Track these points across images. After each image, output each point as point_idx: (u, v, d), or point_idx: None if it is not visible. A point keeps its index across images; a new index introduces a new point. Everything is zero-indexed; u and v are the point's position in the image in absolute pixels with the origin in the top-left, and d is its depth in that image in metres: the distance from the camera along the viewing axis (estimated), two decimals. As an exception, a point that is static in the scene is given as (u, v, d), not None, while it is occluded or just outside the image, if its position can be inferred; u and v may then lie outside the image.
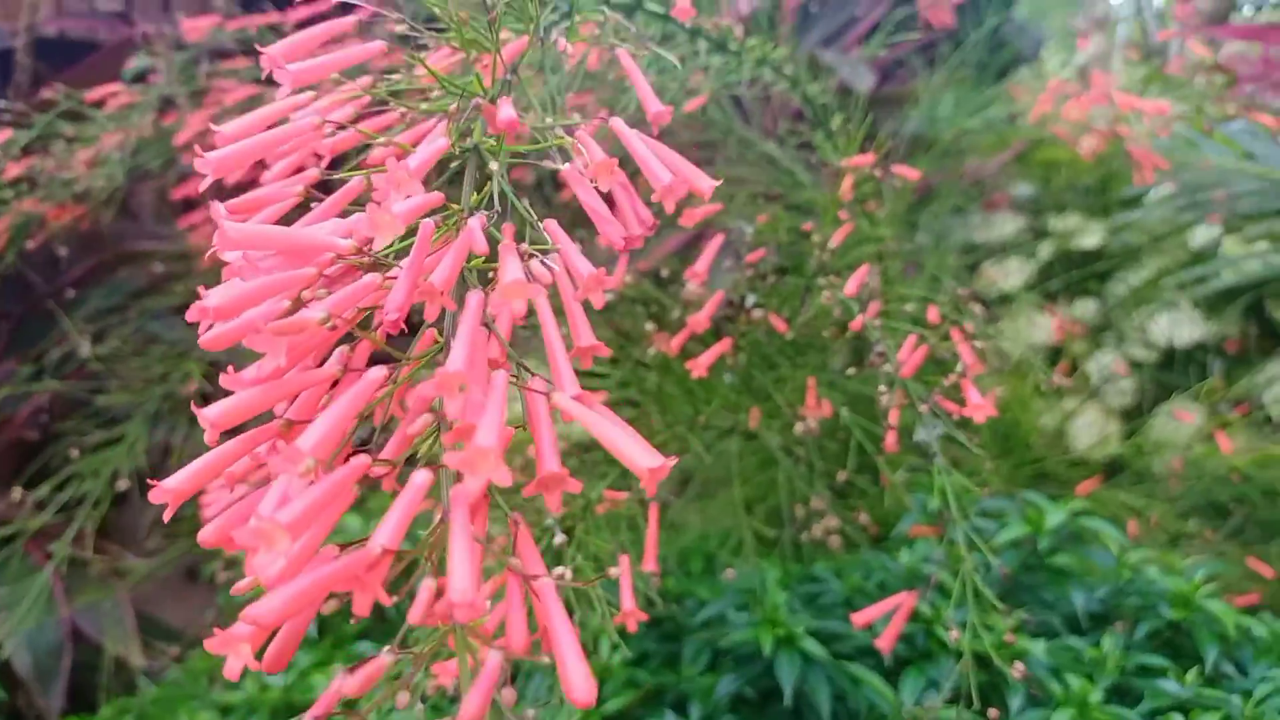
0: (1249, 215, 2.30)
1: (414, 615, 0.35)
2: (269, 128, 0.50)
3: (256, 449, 0.41)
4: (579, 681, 0.35)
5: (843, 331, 0.79)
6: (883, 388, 0.74)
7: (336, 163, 0.52)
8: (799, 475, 1.04)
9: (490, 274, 0.43)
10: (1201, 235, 2.39)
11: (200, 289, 0.42)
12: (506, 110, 0.43)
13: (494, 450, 0.34)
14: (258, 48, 0.52)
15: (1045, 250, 2.34)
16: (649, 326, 0.92)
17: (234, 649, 0.38)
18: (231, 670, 0.38)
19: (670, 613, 1.11)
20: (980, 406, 0.74)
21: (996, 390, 1.20)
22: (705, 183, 0.46)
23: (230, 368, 0.41)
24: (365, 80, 0.55)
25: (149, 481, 0.43)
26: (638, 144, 0.47)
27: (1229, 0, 3.62)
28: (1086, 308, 2.37)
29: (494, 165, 0.43)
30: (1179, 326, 2.26)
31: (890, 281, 0.94)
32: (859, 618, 0.80)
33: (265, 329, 0.38)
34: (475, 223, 0.41)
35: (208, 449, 1.24)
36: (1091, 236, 2.32)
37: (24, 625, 1.22)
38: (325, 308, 0.39)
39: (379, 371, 0.40)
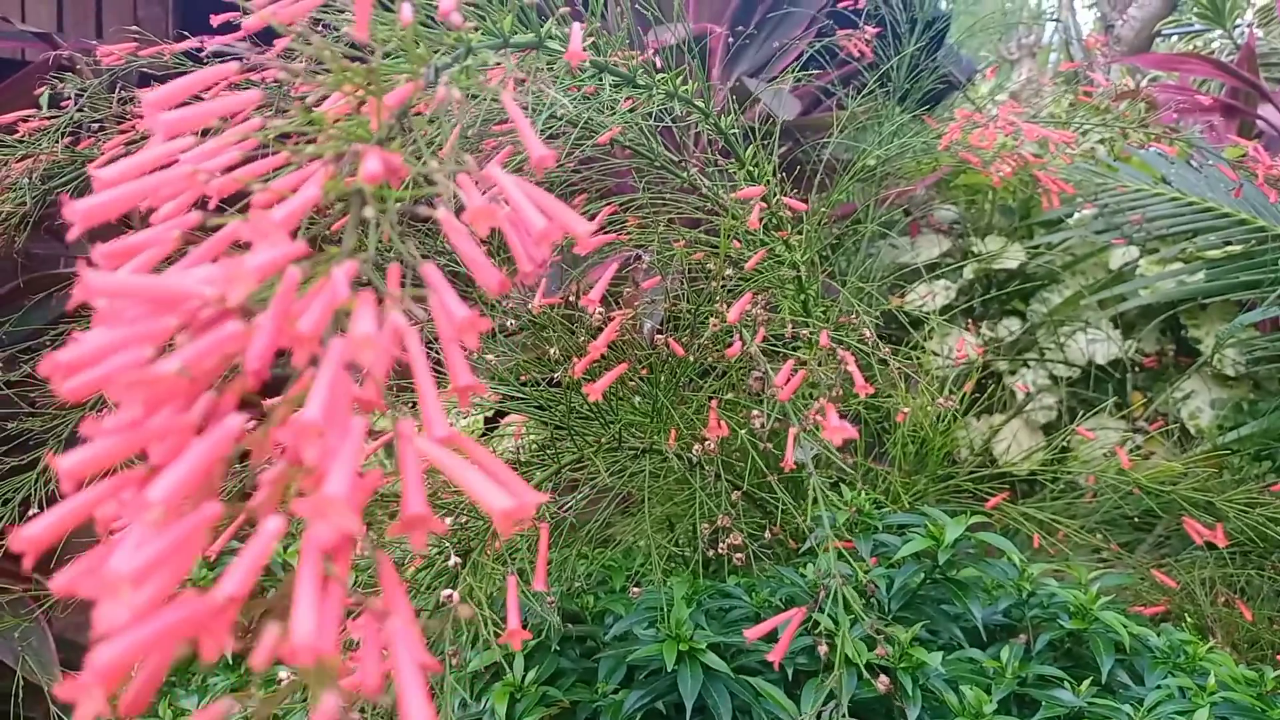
0: (1164, 237, 2.39)
1: (256, 661, 0.36)
2: (150, 171, 0.51)
3: (121, 495, 0.42)
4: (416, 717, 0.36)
5: (723, 356, 0.82)
6: (756, 412, 0.76)
7: (229, 202, 0.53)
8: (710, 494, 1.06)
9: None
10: (1120, 256, 2.47)
11: (72, 333, 0.42)
12: (373, 162, 0.45)
13: (343, 498, 0.35)
14: (144, 93, 0.53)
15: (969, 272, 2.41)
16: (552, 352, 0.94)
17: (85, 696, 0.38)
18: (83, 717, 0.39)
19: (588, 630, 1.13)
20: (838, 429, 0.77)
21: (907, 409, 1.24)
22: (583, 227, 0.48)
23: (89, 417, 0.42)
24: (253, 124, 0.57)
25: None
26: (513, 190, 0.49)
27: (1150, 29, 3.75)
28: (1010, 327, 2.44)
29: (367, 213, 0.45)
30: (1098, 344, 2.34)
31: (808, 305, 0.97)
32: (751, 633, 0.83)
33: (122, 381, 0.39)
34: (340, 273, 0.42)
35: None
36: (1012, 258, 2.39)
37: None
38: (180, 359, 0.40)
39: (237, 420, 0.40)
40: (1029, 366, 2.34)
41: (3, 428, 1.27)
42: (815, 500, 1.00)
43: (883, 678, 0.74)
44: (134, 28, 1.37)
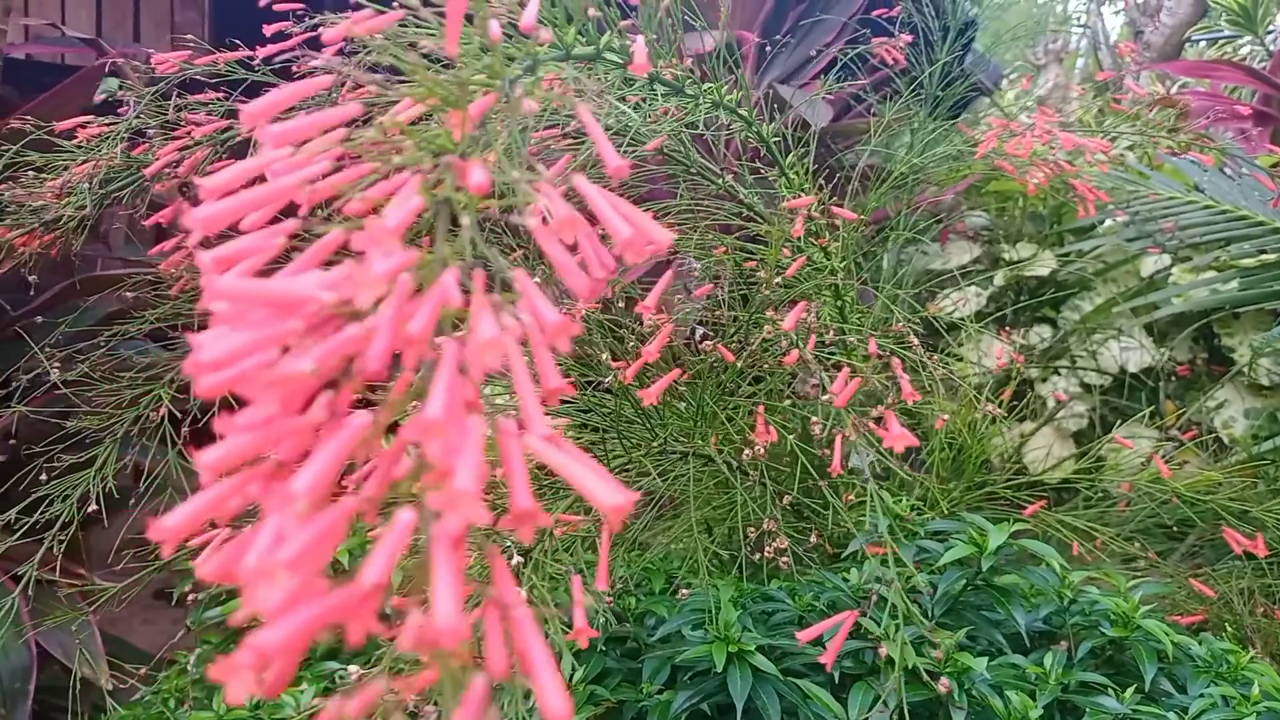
0: (1197, 245, 2.38)
1: (403, 644, 0.38)
2: (250, 180, 0.53)
3: (248, 489, 0.44)
4: (555, 703, 0.38)
5: (779, 365, 0.83)
6: (815, 419, 0.77)
7: (313, 211, 0.55)
8: (753, 498, 1.08)
9: (463, 322, 0.46)
10: (1151, 264, 2.47)
11: (187, 333, 0.44)
12: (479, 174, 0.47)
13: (473, 491, 0.37)
14: (237, 105, 0.55)
15: (999, 278, 2.41)
16: (604, 356, 0.96)
17: (236, 675, 0.41)
18: (234, 696, 0.41)
19: (632, 631, 1.14)
20: (899, 437, 0.78)
21: (946, 416, 1.25)
22: (663, 236, 0.49)
23: (225, 412, 0.44)
24: (339, 134, 0.58)
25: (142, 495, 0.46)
26: (599, 200, 0.50)
27: (1180, 35, 3.73)
28: (1041, 334, 2.44)
29: (464, 220, 0.47)
30: (1130, 352, 2.33)
31: (845, 312, 0.98)
32: (804, 635, 0.84)
33: (258, 380, 0.41)
34: (449, 278, 0.44)
35: (176, 472, 1.26)
36: (1043, 265, 2.39)
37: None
38: (312, 359, 0.42)
39: (363, 417, 0.43)
40: (1059, 374, 2.34)
41: (61, 425, 1.30)
42: (863, 504, 1.02)
43: (943, 680, 0.75)
44: (172, 33, 1.39)
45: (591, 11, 0.73)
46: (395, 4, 0.64)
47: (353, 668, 0.50)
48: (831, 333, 1.01)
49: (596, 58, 0.78)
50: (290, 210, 0.56)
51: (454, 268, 0.45)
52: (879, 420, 0.79)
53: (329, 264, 0.53)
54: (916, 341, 0.87)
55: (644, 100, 1.01)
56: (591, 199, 0.50)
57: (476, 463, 0.39)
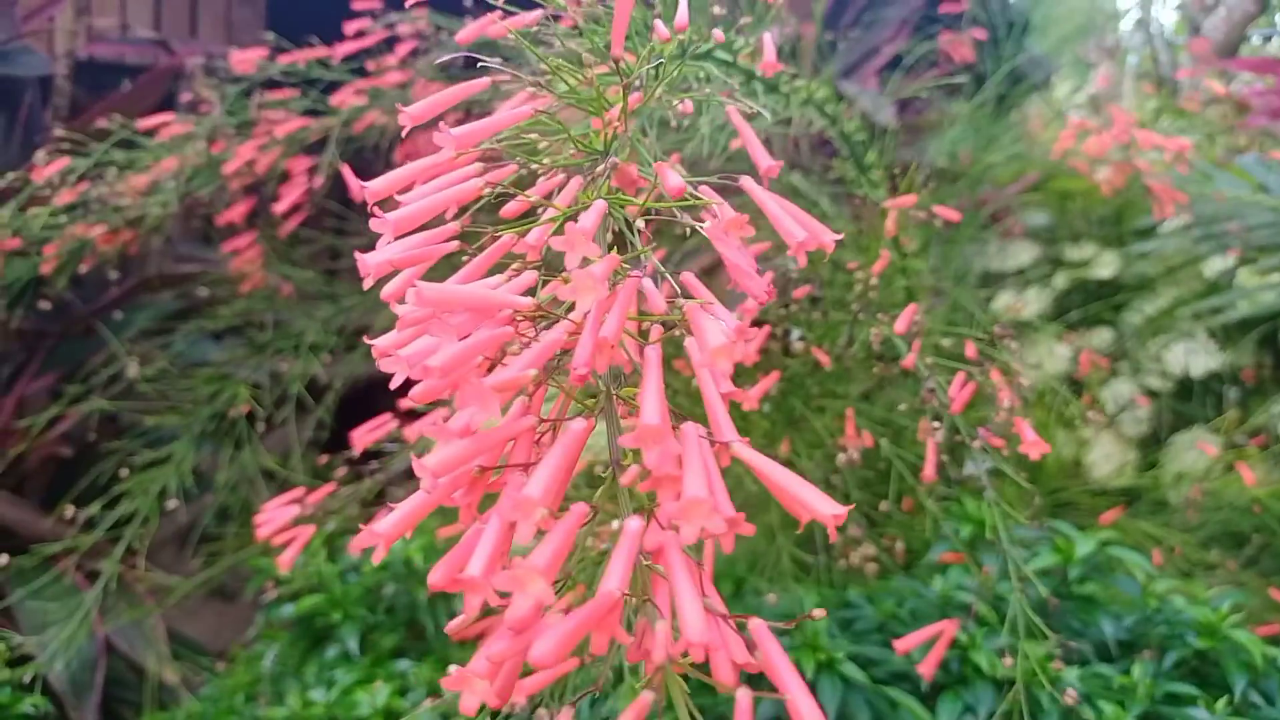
0: (1264, 247, 2.33)
1: (657, 656, 0.37)
2: (410, 185, 0.53)
3: (454, 493, 0.44)
4: (810, 715, 0.38)
5: (888, 368, 0.82)
6: (935, 423, 0.76)
7: (461, 212, 0.54)
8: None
9: (634, 326, 0.46)
10: (1216, 266, 2.42)
11: (382, 348, 0.44)
12: (674, 179, 0.46)
13: (706, 500, 0.37)
14: (398, 106, 0.54)
15: (1061, 280, 2.37)
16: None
17: (471, 686, 0.41)
18: (468, 706, 0.41)
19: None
20: (1035, 444, 0.77)
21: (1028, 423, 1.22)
22: (829, 237, 0.49)
23: (439, 418, 0.44)
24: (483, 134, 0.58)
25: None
26: (770, 203, 0.50)
27: (1240, 31, 3.66)
28: (1102, 337, 2.39)
29: (640, 224, 0.46)
30: (1194, 356, 2.29)
31: (928, 316, 0.97)
32: (901, 644, 0.83)
33: (480, 384, 0.41)
34: (645, 281, 0.43)
35: (254, 470, 1.26)
36: (1106, 266, 2.35)
37: (71, 644, 1.25)
38: (530, 365, 0.42)
39: (580, 424, 0.42)
40: (1122, 378, 2.30)
41: (140, 423, 1.31)
42: (946, 511, 1.00)
43: (1070, 691, 0.73)
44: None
45: (717, 10, 0.72)
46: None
47: (453, 666, 0.49)
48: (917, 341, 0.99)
49: (707, 57, 0.77)
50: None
51: (639, 271, 0.45)
52: (997, 428, 0.77)
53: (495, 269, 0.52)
54: (1015, 345, 0.85)
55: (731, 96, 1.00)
56: (764, 203, 0.49)
57: (702, 469, 0.38)
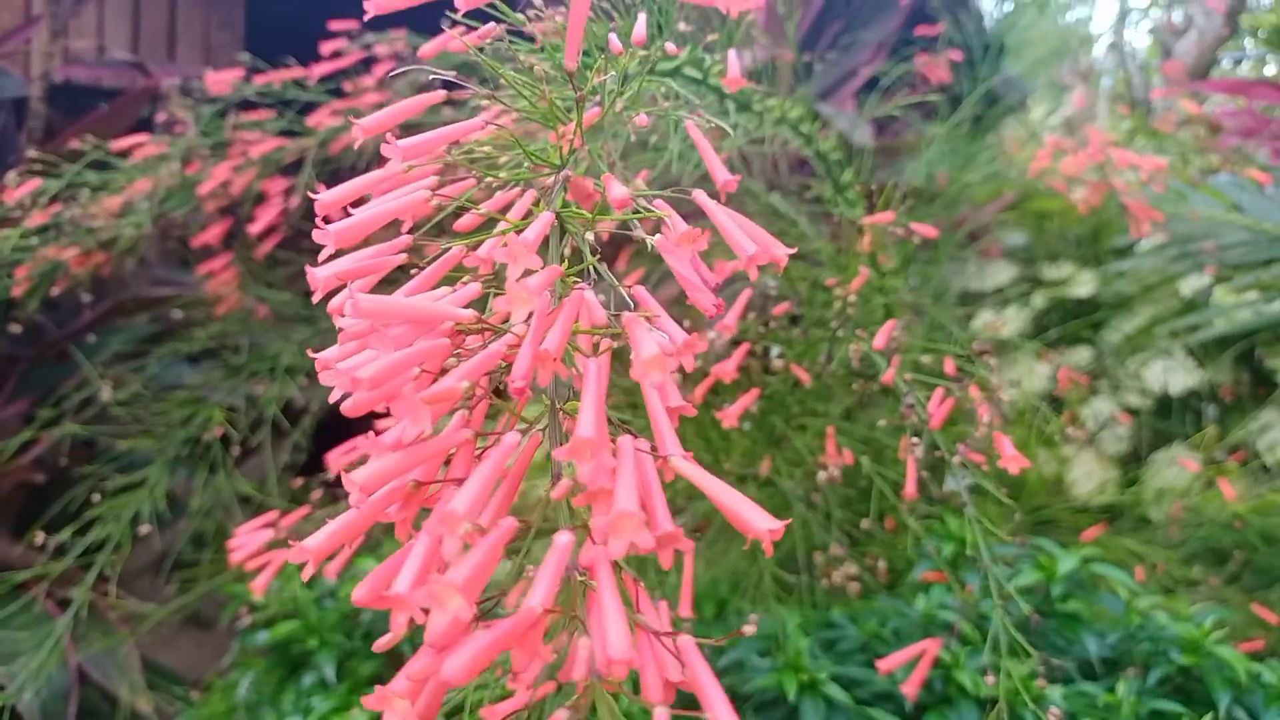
0: (1239, 265, 2.35)
1: (578, 673, 0.36)
2: (362, 199, 0.52)
3: (388, 509, 0.43)
4: None
5: (867, 384, 0.82)
6: (914, 439, 0.76)
7: (414, 229, 0.54)
8: (816, 522, 1.06)
9: (582, 340, 0.45)
10: (1193, 284, 2.44)
11: (313, 353, 0.43)
12: (619, 189, 0.46)
13: (636, 514, 0.36)
14: (350, 120, 0.54)
15: (1039, 299, 2.38)
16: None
17: (391, 706, 0.40)
18: None
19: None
20: (1015, 458, 0.77)
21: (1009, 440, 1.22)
22: (781, 251, 0.48)
23: (371, 432, 0.43)
24: (438, 150, 0.58)
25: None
26: (722, 216, 0.49)
27: (1211, 54, 3.71)
28: (1081, 355, 2.40)
29: (590, 236, 0.46)
30: (1173, 374, 2.30)
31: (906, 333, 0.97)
32: (884, 664, 0.82)
33: (413, 397, 0.40)
34: (589, 293, 0.43)
35: (229, 495, 1.24)
36: (1084, 285, 2.36)
37: (41, 673, 1.22)
38: (464, 377, 0.41)
39: (514, 438, 0.42)
40: (1101, 396, 2.31)
41: (113, 447, 1.29)
42: (928, 530, 0.99)
43: (1054, 710, 0.72)
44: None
45: (683, 26, 0.72)
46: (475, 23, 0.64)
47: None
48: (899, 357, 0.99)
49: (675, 74, 0.77)
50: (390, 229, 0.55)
51: (585, 284, 0.44)
52: (977, 444, 0.77)
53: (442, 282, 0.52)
54: (995, 362, 0.85)
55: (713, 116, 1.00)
56: (715, 215, 0.49)
57: (634, 484, 0.38)
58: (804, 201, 1.52)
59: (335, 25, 1.24)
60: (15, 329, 1.40)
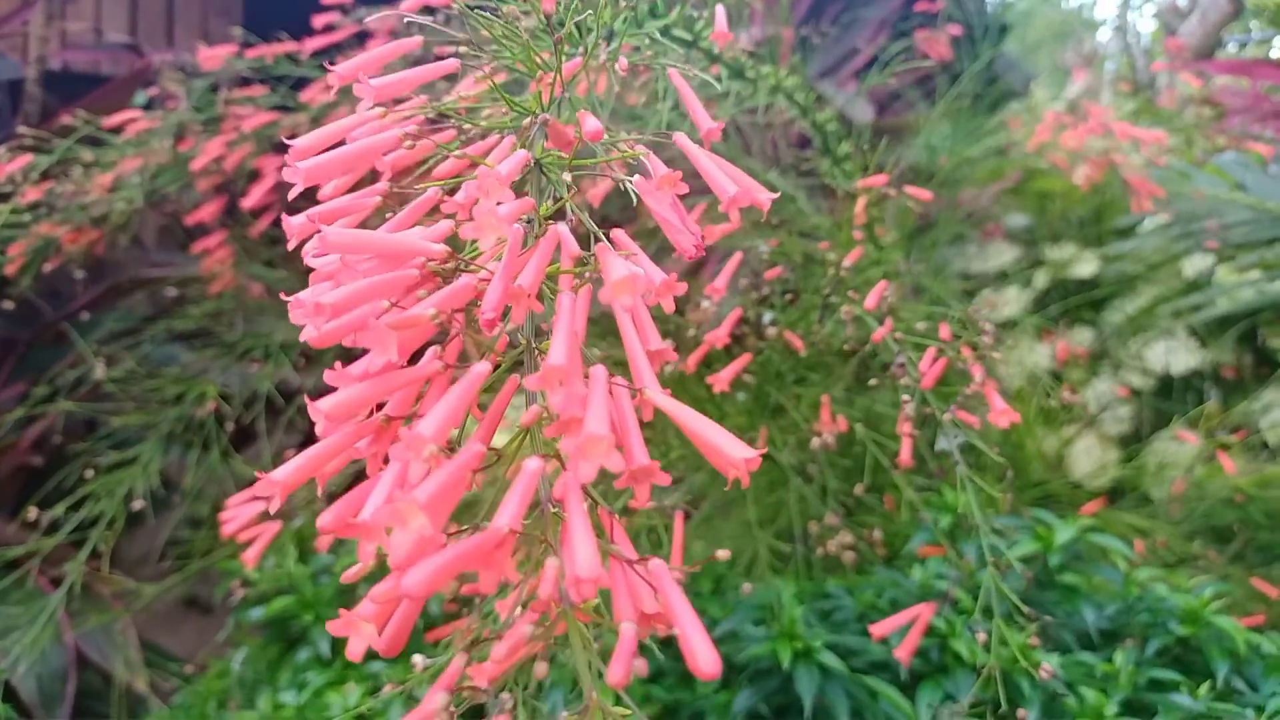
0: (1242, 244, 2.34)
1: (544, 590, 0.36)
2: (338, 143, 0.52)
3: (357, 444, 0.42)
4: (704, 654, 0.36)
5: (860, 347, 0.81)
6: (905, 396, 0.75)
7: (395, 178, 0.53)
8: (811, 493, 1.05)
9: (563, 283, 0.44)
10: (1195, 264, 2.42)
11: (290, 302, 0.43)
12: (592, 122, 0.45)
13: (606, 437, 0.36)
14: (325, 65, 0.53)
15: (1041, 279, 2.37)
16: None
17: (357, 630, 0.39)
18: (354, 651, 0.40)
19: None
20: (1004, 412, 0.76)
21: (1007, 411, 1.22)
22: (764, 195, 0.48)
23: (337, 364, 0.42)
24: (420, 99, 0.57)
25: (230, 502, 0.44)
26: (703, 158, 0.49)
27: (1215, 35, 3.69)
28: (1083, 336, 2.39)
29: (566, 176, 0.45)
30: (1175, 354, 2.29)
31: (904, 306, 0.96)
32: (877, 629, 0.81)
33: (379, 324, 0.39)
34: (562, 227, 0.42)
35: (219, 471, 1.24)
36: (1086, 265, 2.35)
37: (33, 651, 1.22)
38: (433, 304, 0.40)
39: (484, 366, 0.41)
40: (1103, 376, 2.30)
41: (107, 423, 1.29)
42: (926, 501, 0.99)
43: (1045, 665, 0.72)
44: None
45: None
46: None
47: (418, 657, 0.48)
48: (892, 321, 0.98)
49: (665, 34, 0.76)
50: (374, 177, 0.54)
51: (562, 221, 0.44)
52: (967, 401, 0.76)
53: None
54: (990, 328, 0.84)
55: (704, 84, 0.99)
56: (696, 158, 0.48)
57: (605, 409, 0.37)
58: (801, 175, 1.51)
59: (328, 0, 1.23)
60: (7, 305, 1.40)
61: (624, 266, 0.41)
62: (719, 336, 0.86)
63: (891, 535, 1.25)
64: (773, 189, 1.47)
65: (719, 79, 0.96)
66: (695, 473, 1.11)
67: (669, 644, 1.14)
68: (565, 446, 0.37)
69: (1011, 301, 2.31)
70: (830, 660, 0.91)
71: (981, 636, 0.70)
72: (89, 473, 1.24)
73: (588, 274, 0.46)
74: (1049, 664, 0.94)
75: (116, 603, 1.52)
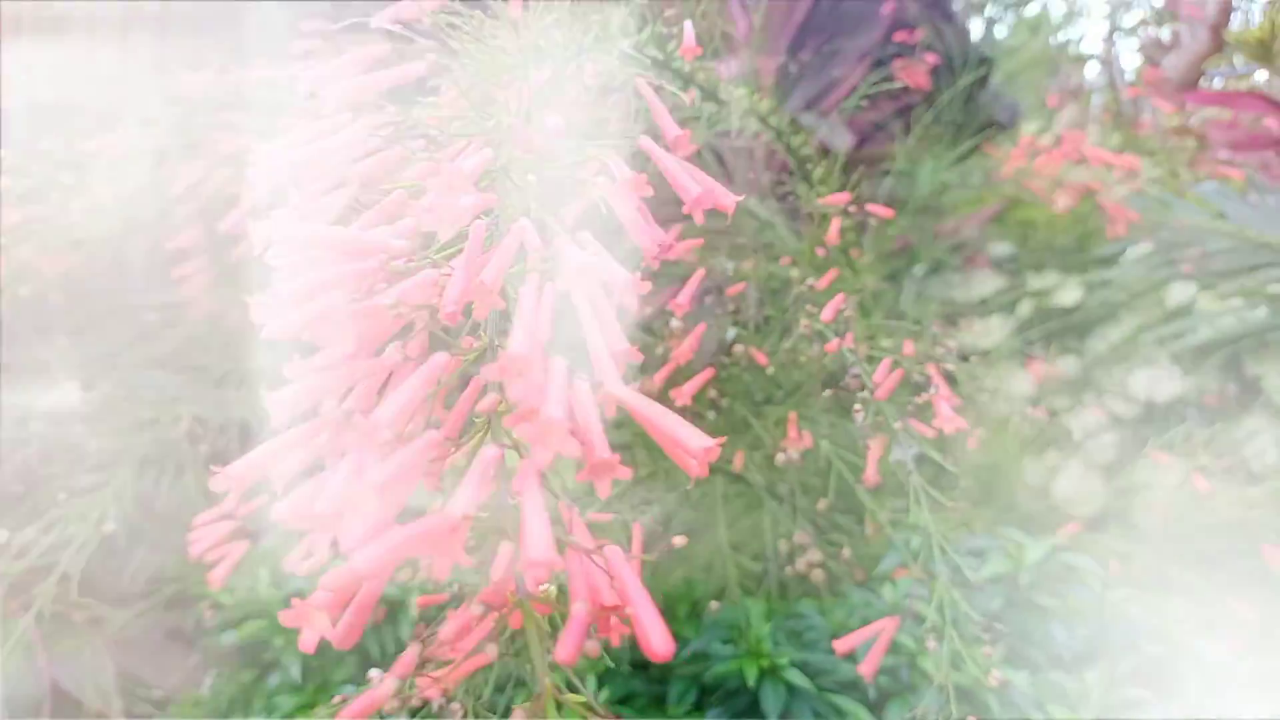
0: (1223, 272, 2.35)
1: (495, 572, 0.36)
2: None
3: (315, 439, 0.42)
4: (658, 638, 0.37)
5: (822, 358, 0.81)
6: (857, 406, 0.75)
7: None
8: (783, 513, 1.05)
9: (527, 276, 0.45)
10: (1178, 292, 2.44)
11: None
12: (553, 120, 0.46)
13: (562, 423, 0.36)
14: (297, 76, 0.54)
15: (1025, 308, 2.38)
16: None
17: (310, 620, 0.39)
18: (307, 643, 0.40)
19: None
20: (951, 419, 0.76)
21: (978, 437, 1.22)
22: (729, 198, 0.49)
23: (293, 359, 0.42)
24: (391, 109, 0.58)
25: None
26: (668, 160, 0.49)
27: (1197, 69, 3.73)
28: (1067, 364, 2.40)
29: (531, 177, 0.46)
30: (1158, 382, 2.29)
31: (867, 318, 0.97)
32: (841, 645, 0.81)
33: (336, 314, 0.40)
34: (526, 223, 0.43)
35: (194, 495, 1.23)
36: (1070, 293, 2.36)
37: (2, 674, 1.21)
38: (393, 296, 0.41)
39: (443, 356, 0.42)
40: (1087, 405, 2.30)
41: (80, 446, 1.29)
42: (894, 523, 0.99)
43: (995, 672, 0.72)
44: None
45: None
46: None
47: (374, 672, 0.48)
48: (853, 333, 0.98)
49: (638, 51, 0.78)
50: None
51: (526, 218, 0.44)
52: (921, 411, 0.76)
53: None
54: (953, 345, 0.84)
55: (678, 106, 1.00)
56: (661, 160, 0.49)
57: (564, 396, 0.37)
58: (780, 200, 1.52)
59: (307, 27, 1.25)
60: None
61: (583, 256, 0.41)
62: (683, 353, 0.86)
63: (865, 556, 1.24)
64: (753, 215, 1.48)
65: (694, 104, 0.97)
66: (668, 493, 1.11)
67: (641, 668, 1.14)
68: (522, 432, 0.37)
69: (994, 330, 2.32)
70: (797, 678, 0.91)
71: (932, 644, 0.70)
72: (61, 495, 1.24)
73: (552, 271, 0.46)
74: (999, 674, 0.94)
75: (93, 631, 1.50)
